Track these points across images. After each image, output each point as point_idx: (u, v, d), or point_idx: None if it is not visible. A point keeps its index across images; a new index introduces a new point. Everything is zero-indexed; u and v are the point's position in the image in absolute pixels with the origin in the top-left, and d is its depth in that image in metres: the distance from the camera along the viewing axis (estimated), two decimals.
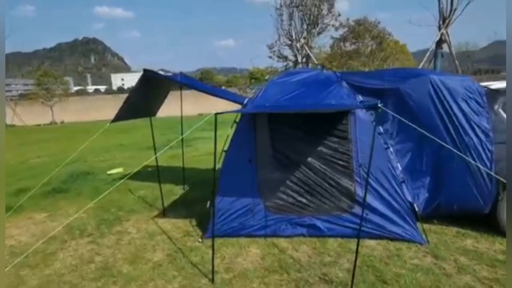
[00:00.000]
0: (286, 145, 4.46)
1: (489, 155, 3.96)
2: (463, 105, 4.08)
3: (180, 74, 5.41)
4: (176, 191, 6.50)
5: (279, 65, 27.03)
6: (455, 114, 4.08)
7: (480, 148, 3.98)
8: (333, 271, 3.52)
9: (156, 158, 5.00)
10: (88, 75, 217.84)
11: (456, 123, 4.07)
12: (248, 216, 4.38)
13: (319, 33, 24.97)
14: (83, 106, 32.60)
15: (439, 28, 9.80)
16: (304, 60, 13.65)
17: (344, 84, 4.60)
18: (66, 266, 3.96)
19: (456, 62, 10.37)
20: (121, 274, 3.69)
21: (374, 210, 4.11)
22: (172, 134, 14.79)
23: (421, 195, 4.34)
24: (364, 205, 3.65)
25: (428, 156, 4.27)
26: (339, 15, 22.44)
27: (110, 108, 10.10)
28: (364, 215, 4.12)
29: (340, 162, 4.29)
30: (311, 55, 14.45)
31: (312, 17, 24.21)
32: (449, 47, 9.85)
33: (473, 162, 3.94)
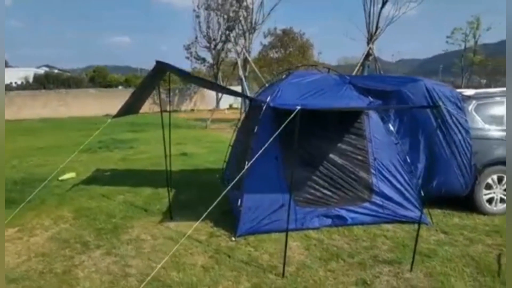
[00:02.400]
0: (309, 142, 4.71)
1: (469, 148, 4.91)
2: (449, 107, 4.97)
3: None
4: (163, 194, 6.06)
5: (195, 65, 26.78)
6: (443, 115, 4.94)
7: (462, 142, 4.91)
8: (378, 253, 3.93)
9: (168, 163, 4.68)
10: None
11: (444, 121, 4.94)
12: (279, 212, 4.48)
13: (235, 38, 25.69)
14: None
15: (368, 43, 11.42)
16: (242, 63, 13.96)
17: (351, 86, 5.09)
18: (98, 285, 3.44)
19: (381, 72, 12.23)
20: (177, 283, 3.41)
21: (389, 199, 4.69)
22: (101, 135, 13.38)
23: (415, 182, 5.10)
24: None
25: (422, 149, 5.04)
26: (255, 23, 23.42)
27: None
28: (381, 203, 4.69)
29: (358, 157, 4.75)
30: (249, 58, 14.86)
31: (229, 22, 24.77)
32: (375, 60, 11.53)
33: (457, 154, 4.86)
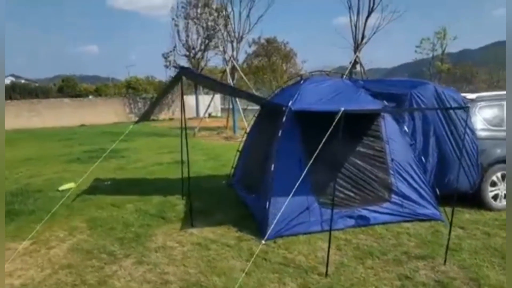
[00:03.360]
0: (330, 143, 4.82)
1: (475, 148, 5.22)
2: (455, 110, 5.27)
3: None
4: (173, 201, 5.96)
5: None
6: (451, 116, 5.23)
7: (469, 142, 5.21)
8: (407, 250, 4.07)
9: (186, 170, 4.60)
10: None
11: (453, 122, 5.22)
12: (305, 214, 4.54)
13: (215, 47, 25.77)
14: None
15: (354, 52, 11.88)
16: (230, 71, 14.02)
17: (365, 90, 5.28)
18: None
19: (368, 78, 12.73)
20: None
21: (407, 198, 4.88)
22: (89, 144, 12.93)
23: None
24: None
25: (433, 149, 5.29)
26: (234, 32, 23.60)
27: None
28: (400, 202, 4.87)
29: (377, 158, 4.92)
30: (237, 66, 14.93)
31: (207, 32, 24.84)
32: (361, 67, 12.01)
33: (465, 154, 5.15)
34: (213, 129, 17.09)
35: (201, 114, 24.90)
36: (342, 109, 3.46)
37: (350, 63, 11.77)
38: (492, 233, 4.47)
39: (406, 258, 3.87)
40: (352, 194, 4.77)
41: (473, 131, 5.24)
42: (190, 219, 4.89)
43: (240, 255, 4.02)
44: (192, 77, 4.78)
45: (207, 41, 24.34)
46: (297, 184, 4.59)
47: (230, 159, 9.47)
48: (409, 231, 4.59)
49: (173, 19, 24.26)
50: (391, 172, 4.92)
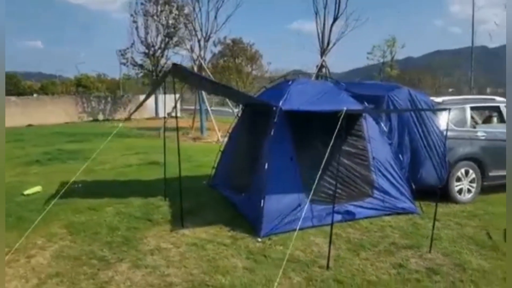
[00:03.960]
0: (317, 142, 5.02)
1: (443, 146, 5.71)
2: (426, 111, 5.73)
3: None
4: (156, 203, 5.79)
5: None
6: (423, 116, 5.67)
7: (438, 142, 5.69)
8: (394, 241, 4.36)
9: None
10: None
11: (424, 123, 5.67)
12: (297, 210, 4.68)
13: (175, 45, 25.27)
14: None
15: (321, 56, 12.36)
16: (198, 70, 13.82)
17: (347, 92, 5.56)
18: None
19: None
20: (230, 286, 3.37)
21: (388, 193, 5.22)
22: (44, 146, 12.03)
23: None
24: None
25: (407, 147, 5.69)
26: (197, 30, 23.31)
27: None
28: (381, 197, 5.20)
29: (360, 156, 5.21)
30: (205, 66, 14.71)
31: (167, 29, 24.29)
32: (327, 71, 12.51)
33: (434, 152, 5.62)
34: (179, 129, 16.69)
35: (161, 114, 24.26)
36: (345, 108, 3.62)
37: (317, 66, 12.23)
38: (463, 224, 4.94)
39: (395, 248, 4.15)
40: (339, 191, 4.98)
41: (441, 131, 5.72)
42: (180, 220, 4.80)
43: (239, 253, 4.04)
44: (183, 75, 4.69)
45: (167, 39, 23.76)
46: (289, 182, 4.77)
47: (203, 160, 9.41)
48: (391, 224, 4.91)
49: (131, 15, 23.39)
50: (373, 169, 5.23)
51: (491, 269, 3.62)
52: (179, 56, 25.38)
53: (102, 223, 4.93)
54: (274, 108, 4.90)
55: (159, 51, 24.18)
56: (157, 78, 25.17)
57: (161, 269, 3.69)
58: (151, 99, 26.39)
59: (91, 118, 24.12)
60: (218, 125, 14.20)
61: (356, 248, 4.17)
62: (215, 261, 3.85)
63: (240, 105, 6.68)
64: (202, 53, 15.05)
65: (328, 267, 3.67)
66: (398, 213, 5.21)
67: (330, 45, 13.06)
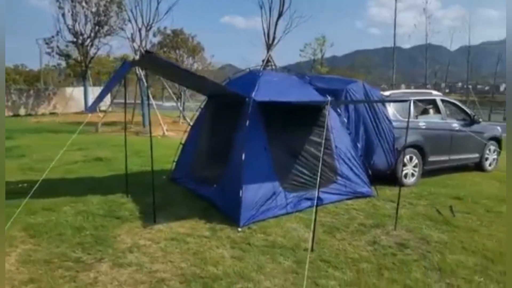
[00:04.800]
0: (289, 133, 5.21)
1: (392, 135, 6.31)
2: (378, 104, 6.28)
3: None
4: (117, 199, 5.46)
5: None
6: (375, 108, 6.21)
7: (388, 131, 6.28)
8: (361, 221, 4.74)
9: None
10: None
11: (376, 114, 6.21)
12: (272, 199, 4.82)
13: (106, 35, 23.60)
14: None
15: (267, 51, 12.57)
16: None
17: (310, 85, 5.84)
18: None
19: None
20: (225, 274, 3.38)
21: (349, 179, 5.63)
22: None
23: None
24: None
25: (362, 136, 6.17)
26: (129, 20, 21.99)
27: None
28: (343, 183, 5.60)
29: (325, 146, 5.51)
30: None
31: (97, 17, 22.59)
32: (274, 66, 12.81)
33: (384, 140, 6.21)
34: (113, 124, 15.70)
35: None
36: (329, 98, 3.83)
37: (263, 61, 12.46)
38: (414, 203, 5.56)
39: (364, 228, 4.53)
40: (308, 178, 5.24)
41: (390, 121, 6.32)
42: (153, 215, 4.62)
43: (223, 244, 4.04)
44: (157, 65, 4.45)
45: (98, 28, 22.01)
46: (264, 171, 4.88)
47: (154, 154, 9.00)
48: (354, 206, 5.32)
49: (57, 0, 21.17)
50: (336, 157, 5.59)
51: (450, 240, 4.16)
52: (108, 46, 23.79)
53: (63, 223, 4.52)
54: (247, 99, 4.96)
55: (89, 40, 22.34)
56: (86, 69, 23.30)
57: (146, 265, 3.54)
58: (79, 92, 24.34)
59: (11, 113, 21.44)
60: (161, 119, 13.71)
61: (331, 230, 4.45)
62: (201, 253, 3.81)
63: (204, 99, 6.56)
64: (143, 43, 14.28)
65: (312, 249, 3.87)
66: (357, 197, 5.66)
67: (276, 40, 13.50)
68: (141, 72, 12.67)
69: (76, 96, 24.85)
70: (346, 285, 3.21)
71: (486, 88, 74.05)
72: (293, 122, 5.31)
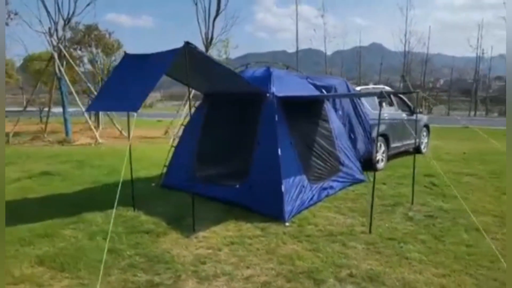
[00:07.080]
0: (304, 127, 5.41)
1: (369, 126, 7.04)
2: (356, 98, 6.94)
3: None
4: (128, 214, 4.78)
5: None
6: (355, 102, 6.85)
7: (365, 122, 6.99)
8: (381, 203, 5.21)
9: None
10: None
11: (357, 108, 6.86)
12: (303, 192, 4.93)
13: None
14: None
15: (206, 50, 12.14)
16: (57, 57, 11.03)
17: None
18: None
19: None
20: (322, 266, 3.39)
21: (349, 168, 6.10)
22: None
23: None
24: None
25: (348, 127, 6.73)
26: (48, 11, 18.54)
27: None
28: (345, 171, 6.07)
29: (329, 137, 5.87)
30: (65, 52, 11.78)
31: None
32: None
33: (364, 130, 6.92)
34: (17, 134, 13.11)
35: None
36: (384, 87, 4.12)
37: None
38: (401, 182, 6.35)
39: (389, 208, 5.03)
40: (323, 169, 5.51)
41: (367, 114, 7.04)
42: (193, 224, 4.24)
43: (282, 239, 3.99)
44: (196, 58, 4.02)
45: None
46: (293, 165, 4.96)
47: (107, 164, 8.01)
48: (360, 191, 5.80)
49: None
50: (337, 148, 5.99)
51: (458, 207, 4.86)
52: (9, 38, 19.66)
53: (85, 248, 3.78)
54: (268, 95, 4.96)
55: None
56: None
57: (235, 273, 3.29)
58: None
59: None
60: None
61: (363, 214, 4.78)
62: (275, 251, 3.70)
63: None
64: (60, 37, 12.22)
65: (370, 231, 4.14)
66: (355, 183, 6.18)
67: (214, 39, 13.25)
68: (62, 69, 10.97)
69: None
70: (431, 254, 3.58)
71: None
72: (304, 117, 5.50)
